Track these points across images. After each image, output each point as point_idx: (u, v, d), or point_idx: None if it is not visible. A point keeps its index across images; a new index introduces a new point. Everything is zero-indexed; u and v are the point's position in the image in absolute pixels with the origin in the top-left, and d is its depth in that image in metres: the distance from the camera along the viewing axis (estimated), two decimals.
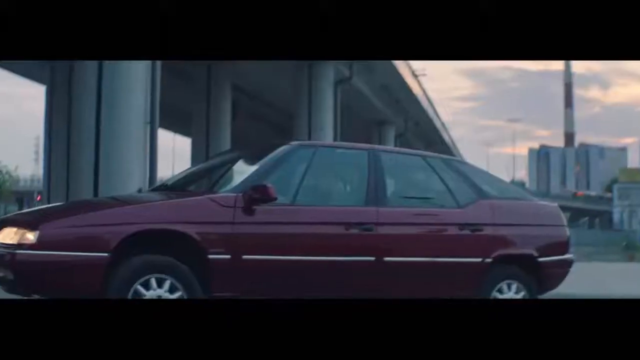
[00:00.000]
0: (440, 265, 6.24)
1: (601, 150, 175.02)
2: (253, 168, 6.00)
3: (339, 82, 22.75)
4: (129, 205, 5.75)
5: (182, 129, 35.19)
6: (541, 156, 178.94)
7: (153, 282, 5.20)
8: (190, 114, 24.22)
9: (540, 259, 6.67)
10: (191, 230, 5.35)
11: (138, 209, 5.61)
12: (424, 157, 6.88)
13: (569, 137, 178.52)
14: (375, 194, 6.14)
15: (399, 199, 6.49)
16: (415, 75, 31.12)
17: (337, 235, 5.91)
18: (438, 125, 42.51)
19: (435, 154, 7.19)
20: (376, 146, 6.72)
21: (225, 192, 5.74)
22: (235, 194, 5.61)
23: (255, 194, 5.54)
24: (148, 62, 11.38)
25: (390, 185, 6.44)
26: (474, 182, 6.74)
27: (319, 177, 6.27)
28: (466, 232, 6.41)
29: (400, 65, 26.60)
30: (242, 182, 5.76)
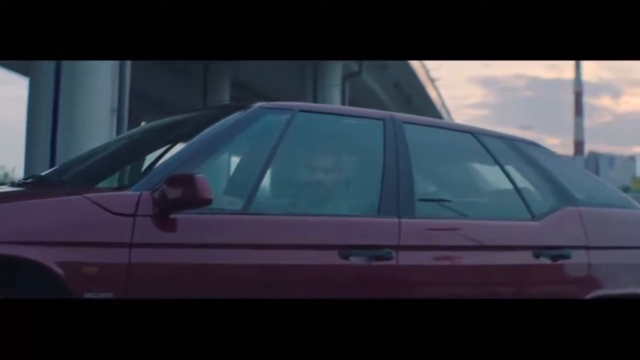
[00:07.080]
0: None
1: (611, 159, 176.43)
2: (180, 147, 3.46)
3: (347, 76, 21.14)
4: None
5: None
6: None
7: None
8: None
9: None
10: (49, 258, 2.87)
11: None
12: (476, 135, 4.22)
13: (579, 146, 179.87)
14: (396, 196, 3.63)
15: (434, 204, 3.88)
16: (430, 79, 29.70)
17: (328, 268, 3.42)
18: None
19: (495, 132, 4.42)
20: (398, 114, 4.05)
21: (120, 189, 3.25)
22: (137, 192, 3.10)
23: (174, 192, 3.06)
24: None
25: (422, 181, 3.90)
26: (556, 178, 4.23)
27: (298, 164, 3.82)
28: (545, 260, 3.93)
29: (415, 62, 24.94)
30: (154, 171, 3.24)
